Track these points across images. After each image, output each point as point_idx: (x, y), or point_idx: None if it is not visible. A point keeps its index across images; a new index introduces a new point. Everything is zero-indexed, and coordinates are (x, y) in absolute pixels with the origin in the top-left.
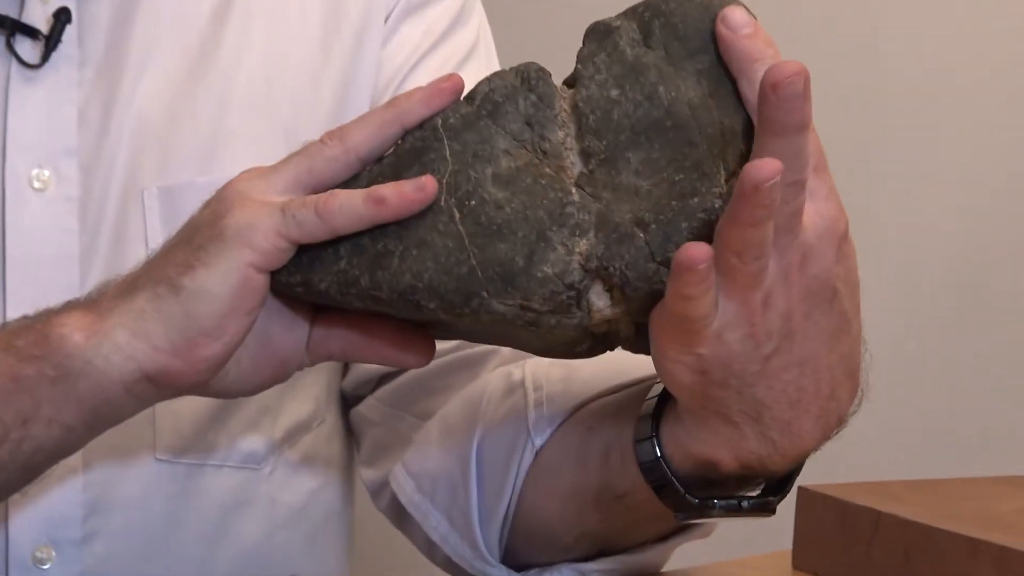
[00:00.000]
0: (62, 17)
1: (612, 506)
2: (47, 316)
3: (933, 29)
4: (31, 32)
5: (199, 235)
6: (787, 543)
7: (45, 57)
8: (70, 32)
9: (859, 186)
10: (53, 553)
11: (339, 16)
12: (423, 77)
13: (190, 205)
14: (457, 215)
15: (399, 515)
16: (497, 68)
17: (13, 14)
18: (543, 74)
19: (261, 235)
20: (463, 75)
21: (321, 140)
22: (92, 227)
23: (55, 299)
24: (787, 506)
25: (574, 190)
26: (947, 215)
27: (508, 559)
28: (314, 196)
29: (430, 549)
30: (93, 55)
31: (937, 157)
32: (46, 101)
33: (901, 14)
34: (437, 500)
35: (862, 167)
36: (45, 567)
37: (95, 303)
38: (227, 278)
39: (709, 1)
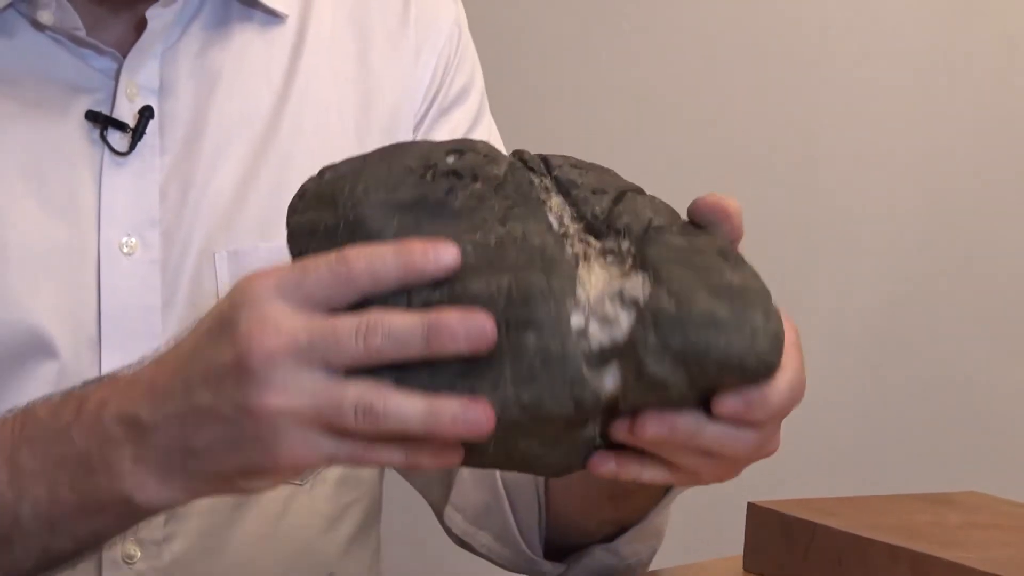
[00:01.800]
0: (146, 113)
1: (622, 500)
2: (105, 458)
3: (862, 103)
4: (120, 125)
5: (232, 411)
6: (738, 550)
7: (132, 146)
8: (152, 125)
9: (797, 247)
10: (139, 552)
11: (371, 112)
12: None
13: (254, 264)
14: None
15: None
16: (499, 141)
17: (106, 111)
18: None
19: (312, 463)
20: None
21: (332, 269)
22: (171, 284)
23: (141, 345)
24: (738, 518)
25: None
26: (873, 256)
27: (548, 548)
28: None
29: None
30: (172, 144)
31: (861, 210)
32: (132, 182)
33: (835, 77)
34: (483, 524)
35: (797, 237)
36: (132, 563)
37: (149, 451)
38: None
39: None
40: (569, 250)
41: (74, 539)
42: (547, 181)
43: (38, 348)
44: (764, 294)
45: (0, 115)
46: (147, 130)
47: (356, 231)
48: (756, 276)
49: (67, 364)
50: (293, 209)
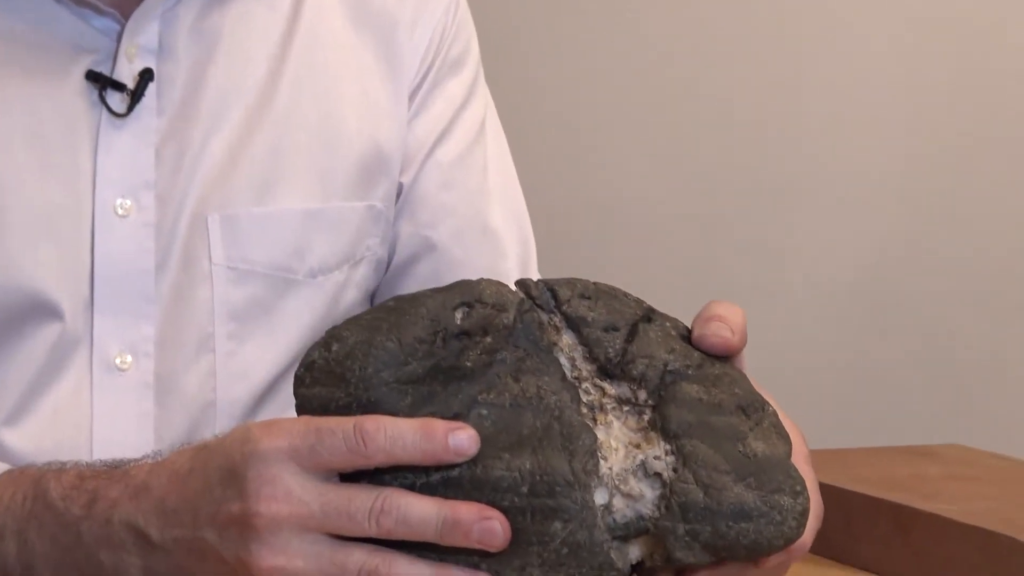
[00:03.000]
0: (146, 76)
1: None
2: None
3: (846, 78)
4: (120, 87)
5: (233, 559)
6: None
7: (131, 107)
8: (151, 87)
9: (783, 207)
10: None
11: (368, 83)
12: (451, 147)
13: (246, 228)
14: None
15: None
16: (496, 120)
17: (105, 71)
18: None
19: None
20: (484, 140)
21: (348, 442)
22: (165, 247)
23: (134, 308)
24: None
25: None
26: (856, 215)
27: None
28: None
29: None
30: (169, 107)
31: (844, 185)
32: (129, 144)
33: (819, 37)
34: None
35: (782, 193)
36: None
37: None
38: None
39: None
40: (584, 401)
41: None
42: (556, 319)
43: (38, 310)
44: (787, 463)
45: (1, 75)
46: (146, 92)
47: (369, 411)
48: (778, 431)
49: (67, 326)
50: (300, 381)
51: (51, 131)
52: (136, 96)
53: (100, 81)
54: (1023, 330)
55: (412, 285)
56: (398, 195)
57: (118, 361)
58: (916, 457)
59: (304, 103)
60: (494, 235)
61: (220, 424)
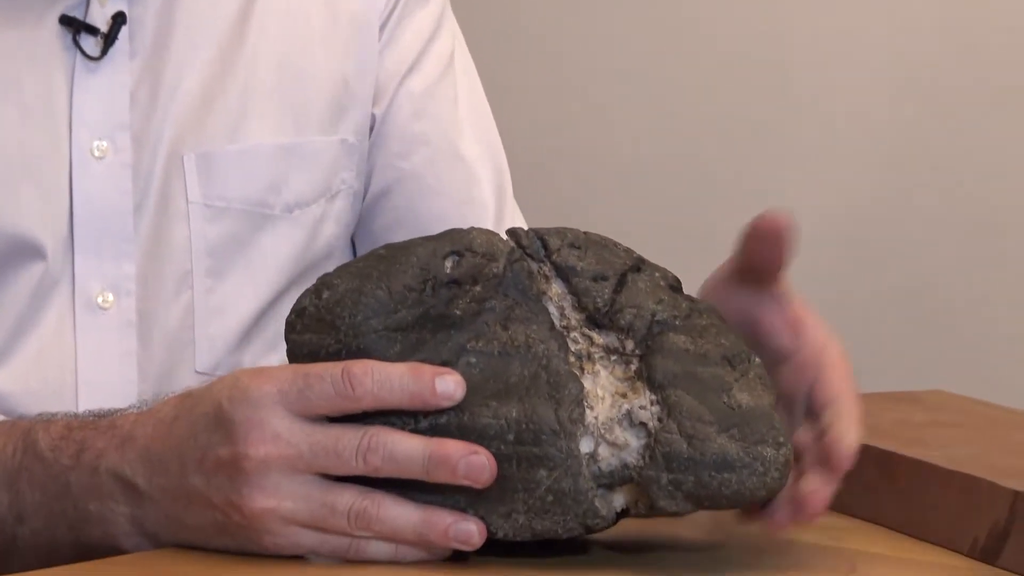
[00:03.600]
0: (119, 19)
1: None
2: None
3: (829, 44)
4: (93, 31)
5: (223, 503)
6: None
7: (104, 51)
8: (124, 31)
9: (768, 155)
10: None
11: (336, 18)
12: (421, 78)
13: (221, 166)
14: None
15: None
16: (466, 54)
17: (79, 16)
18: None
19: (297, 553)
20: (453, 72)
21: (336, 385)
22: (143, 187)
23: (114, 248)
24: None
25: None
26: (841, 164)
27: None
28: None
29: None
30: (141, 49)
31: (828, 134)
32: (104, 86)
33: (805, 31)
34: None
35: (767, 141)
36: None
37: (142, 500)
38: None
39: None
40: (572, 350)
41: (70, 557)
42: (546, 268)
43: (20, 252)
44: (770, 414)
45: None
46: (119, 35)
47: (358, 358)
48: (763, 381)
49: (48, 267)
50: (291, 327)
51: (27, 76)
52: (110, 39)
53: (74, 25)
54: (1005, 279)
55: (388, 215)
56: (372, 128)
57: (100, 300)
58: (900, 404)
59: (273, 40)
60: (467, 163)
61: (200, 361)
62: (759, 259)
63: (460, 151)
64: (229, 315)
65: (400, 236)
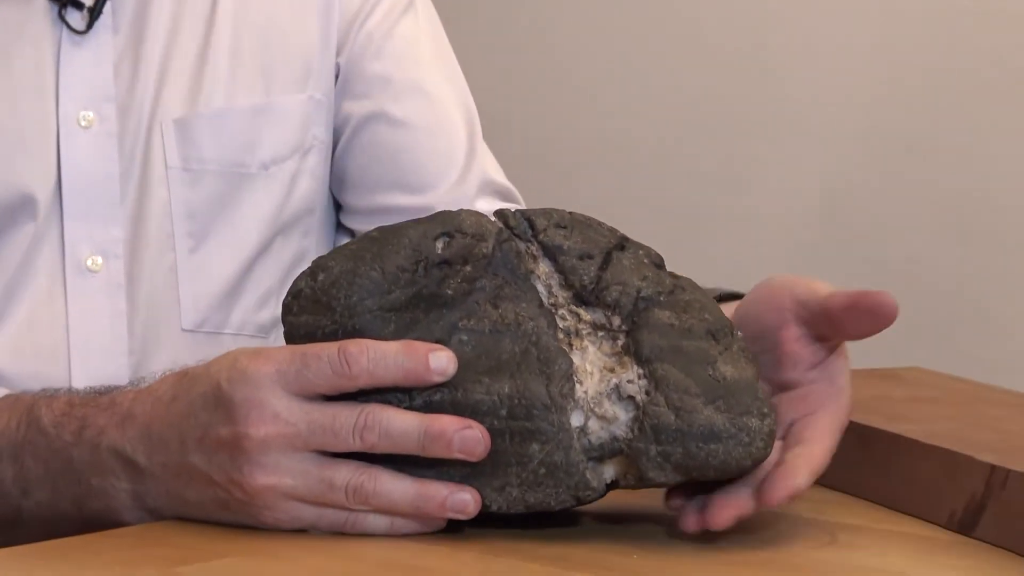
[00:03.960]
0: None
1: None
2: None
3: (810, 37)
4: (79, 5)
5: (224, 480)
6: None
7: (89, 25)
8: (107, 6)
9: (749, 135)
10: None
11: None
12: (379, 18)
13: (197, 131)
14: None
15: None
16: (431, 6)
17: None
18: None
19: (296, 527)
20: (415, 15)
21: (333, 364)
22: (128, 155)
23: (101, 213)
24: None
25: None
26: (819, 142)
27: None
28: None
29: None
30: (123, 24)
31: (809, 113)
32: (90, 60)
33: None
34: None
35: (748, 121)
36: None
37: (143, 476)
38: None
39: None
40: (561, 327)
41: (74, 528)
42: (533, 248)
43: (11, 218)
44: (754, 386)
45: None
46: (103, 10)
47: (354, 337)
48: (746, 354)
49: (39, 232)
50: (288, 309)
51: (16, 50)
52: (95, 14)
53: (60, 1)
54: (983, 257)
55: (363, 155)
56: (337, 76)
57: (89, 263)
58: (880, 380)
59: (245, 8)
60: (432, 97)
61: (187, 319)
62: (846, 326)
63: (423, 86)
64: (212, 274)
65: (377, 174)
